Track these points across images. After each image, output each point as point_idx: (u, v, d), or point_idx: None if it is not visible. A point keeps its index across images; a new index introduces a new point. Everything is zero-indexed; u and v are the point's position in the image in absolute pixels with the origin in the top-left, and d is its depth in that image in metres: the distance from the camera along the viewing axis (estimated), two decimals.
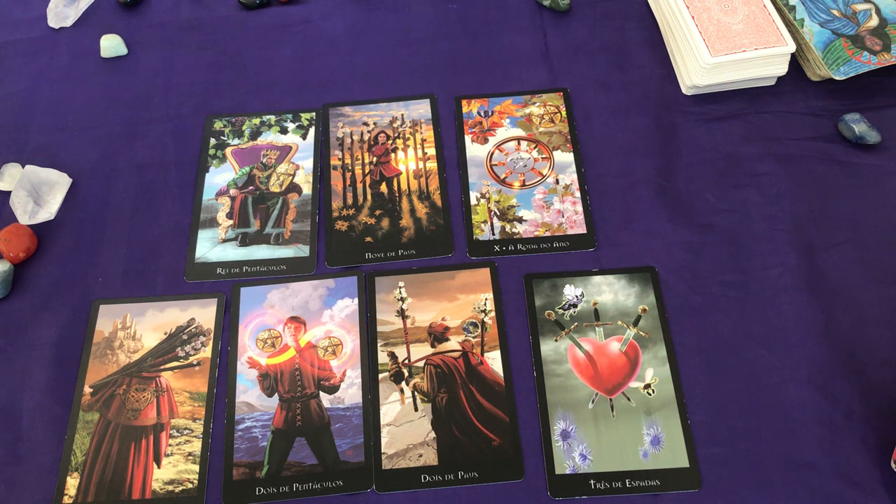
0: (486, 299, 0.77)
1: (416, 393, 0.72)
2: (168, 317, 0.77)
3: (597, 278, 0.77)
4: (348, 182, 0.86)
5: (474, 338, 0.75)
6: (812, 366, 0.71)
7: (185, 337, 0.76)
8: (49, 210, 0.84)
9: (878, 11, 0.88)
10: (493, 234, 0.81)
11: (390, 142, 0.89)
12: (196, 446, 0.70)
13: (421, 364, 0.74)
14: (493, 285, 0.77)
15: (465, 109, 0.90)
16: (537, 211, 0.82)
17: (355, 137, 0.89)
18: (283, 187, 0.86)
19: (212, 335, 0.76)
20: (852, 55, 0.85)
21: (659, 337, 0.74)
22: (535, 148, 0.87)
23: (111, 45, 0.97)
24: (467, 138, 0.88)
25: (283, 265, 0.80)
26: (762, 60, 0.86)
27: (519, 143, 0.87)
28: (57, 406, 0.72)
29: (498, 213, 0.82)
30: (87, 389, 0.73)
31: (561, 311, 0.75)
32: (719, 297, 0.75)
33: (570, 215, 0.81)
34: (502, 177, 0.85)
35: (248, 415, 0.72)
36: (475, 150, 0.87)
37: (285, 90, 0.94)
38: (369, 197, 0.85)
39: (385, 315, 0.76)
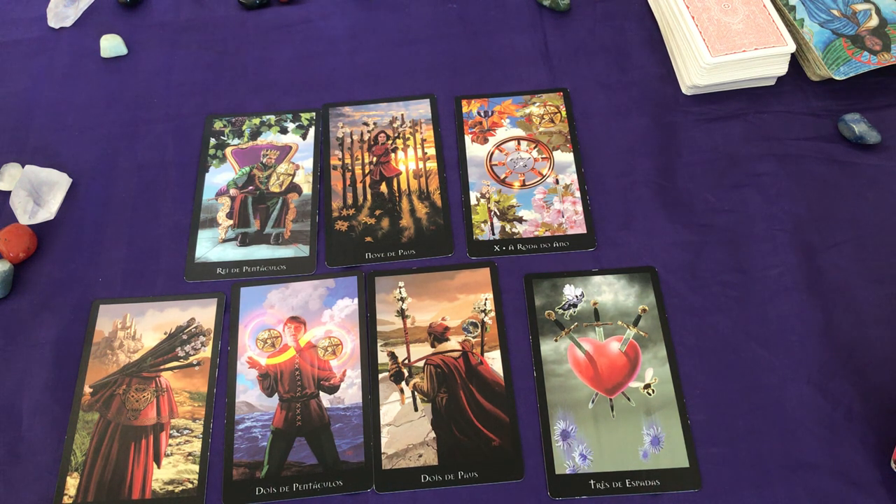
0: (486, 299, 0.77)
1: (416, 393, 0.72)
2: (168, 317, 0.77)
3: (597, 278, 0.77)
4: (348, 182, 0.86)
5: (474, 338, 0.75)
6: (812, 366, 0.71)
7: (185, 337, 0.76)
8: (49, 210, 0.84)
9: (878, 11, 0.88)
10: (493, 234, 0.81)
11: (390, 142, 0.89)
12: (196, 446, 0.70)
13: (421, 364, 0.74)
14: (493, 285, 0.77)
15: (465, 109, 0.90)
16: (537, 211, 0.82)
17: (355, 137, 0.89)
18: (283, 187, 0.86)
19: (212, 335, 0.76)
20: (852, 55, 0.85)
21: (659, 337, 0.74)
22: (535, 148, 0.87)
23: (111, 45, 0.97)
24: (467, 138, 0.88)
25: (283, 265, 0.80)
26: (762, 60, 0.86)
27: (519, 143, 0.87)
28: (57, 406, 0.72)
29: (498, 213, 0.82)
30: (87, 389, 0.73)
31: (561, 311, 0.75)
32: (719, 297, 0.75)
33: (570, 215, 0.81)
34: (502, 177, 0.85)
35: (248, 415, 0.72)
36: (475, 150, 0.87)
37: (285, 90, 0.93)
38: (369, 197, 0.85)
39: (385, 315, 0.76)
